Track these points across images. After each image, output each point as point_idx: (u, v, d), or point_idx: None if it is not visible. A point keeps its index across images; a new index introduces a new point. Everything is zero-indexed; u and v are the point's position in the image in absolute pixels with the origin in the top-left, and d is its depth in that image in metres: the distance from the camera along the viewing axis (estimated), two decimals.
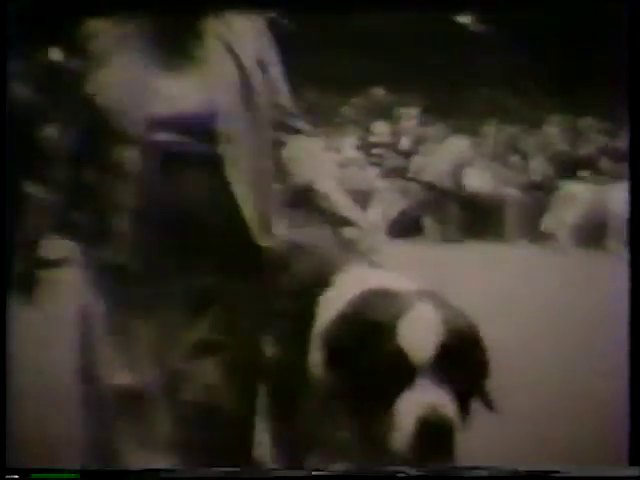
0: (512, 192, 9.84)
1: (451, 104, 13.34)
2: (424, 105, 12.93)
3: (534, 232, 9.27)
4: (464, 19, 14.99)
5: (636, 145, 1.75)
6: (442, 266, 6.97)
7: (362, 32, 13.84)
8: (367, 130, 12.51)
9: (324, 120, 13.61)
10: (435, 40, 14.22)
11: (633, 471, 1.60)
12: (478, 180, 10.04)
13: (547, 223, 9.33)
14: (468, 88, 14.11)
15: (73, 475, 1.36)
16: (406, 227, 9.62)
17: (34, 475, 1.36)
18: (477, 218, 9.72)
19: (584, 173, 9.84)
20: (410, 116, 12.16)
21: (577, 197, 9.19)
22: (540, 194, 9.68)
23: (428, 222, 9.74)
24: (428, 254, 8.21)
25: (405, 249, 8.47)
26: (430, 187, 9.72)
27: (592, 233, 8.86)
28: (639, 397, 1.69)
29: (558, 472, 1.57)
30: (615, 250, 8.70)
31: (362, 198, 9.81)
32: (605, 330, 4.86)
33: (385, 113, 12.90)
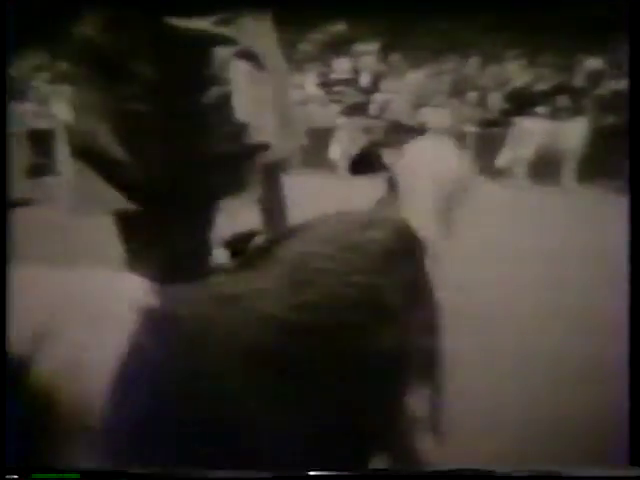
0: (470, 128, 9.98)
1: (411, 39, 13.27)
2: (384, 41, 12.91)
3: (491, 168, 9.36)
4: None
5: (636, 141, 1.67)
6: None
7: None
8: (327, 66, 12.37)
9: (283, 56, 13.63)
10: None
11: (633, 471, 1.58)
12: (437, 116, 10.10)
13: (503, 159, 9.47)
14: (427, 22, 14.04)
15: (74, 475, 1.34)
16: (366, 164, 9.73)
17: (35, 475, 1.34)
18: None
19: (540, 109, 9.98)
20: (370, 52, 12.09)
21: (533, 133, 9.33)
22: (497, 130, 9.77)
23: (388, 159, 9.88)
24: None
25: (366, 186, 8.75)
26: (390, 124, 9.72)
27: (546, 169, 9.06)
28: (639, 397, 1.66)
29: (558, 472, 1.52)
30: (568, 186, 8.94)
31: (323, 136, 9.89)
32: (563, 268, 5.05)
33: (344, 49, 12.82)
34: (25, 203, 7.04)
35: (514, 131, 9.48)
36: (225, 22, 1.87)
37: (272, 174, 2.32)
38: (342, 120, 10.22)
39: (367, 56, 12.28)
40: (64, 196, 7.24)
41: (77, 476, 1.31)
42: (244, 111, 1.96)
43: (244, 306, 1.45)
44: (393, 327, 1.55)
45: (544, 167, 9.09)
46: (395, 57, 11.95)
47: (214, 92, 1.90)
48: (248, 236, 2.26)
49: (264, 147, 2.03)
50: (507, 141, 9.61)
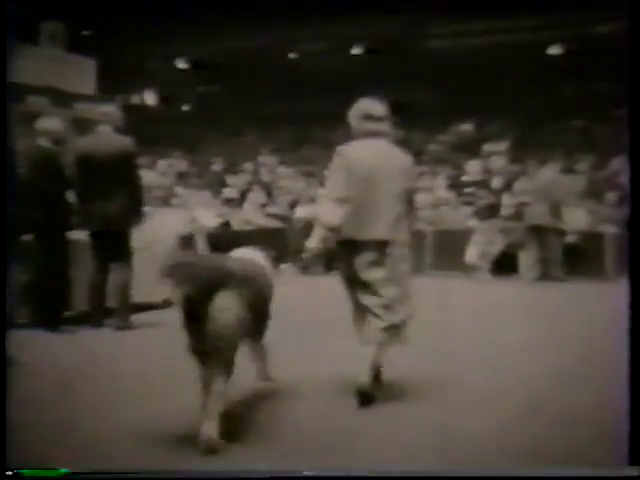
0: (610, 229, 9.50)
1: (543, 137, 12.73)
2: (514, 140, 12.36)
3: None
4: (553, 50, 14.28)
5: (635, 153, 1.75)
6: (541, 306, 6.97)
7: (442, 64, 13.11)
8: (456, 168, 11.63)
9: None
10: (521, 71, 13.62)
11: (633, 471, 1.62)
12: (574, 217, 9.66)
13: None
14: (560, 120, 13.30)
15: (62, 471, 1.38)
16: (502, 266, 9.38)
17: (25, 472, 1.41)
18: (575, 256, 9.36)
19: None
20: (499, 151, 11.54)
21: None
22: None
23: (524, 260, 9.42)
24: (526, 293, 8.05)
25: (503, 287, 8.45)
26: (524, 225, 9.52)
27: None
28: (639, 397, 1.66)
29: (559, 472, 1.58)
30: None
31: (456, 238, 9.57)
32: None
33: (473, 149, 12.10)
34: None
35: None
36: None
37: None
38: (475, 222, 9.96)
39: (497, 156, 11.62)
40: None
41: (67, 472, 1.37)
42: None
43: None
44: None
45: None
46: (525, 156, 11.38)
47: None
48: None
49: None
50: None
